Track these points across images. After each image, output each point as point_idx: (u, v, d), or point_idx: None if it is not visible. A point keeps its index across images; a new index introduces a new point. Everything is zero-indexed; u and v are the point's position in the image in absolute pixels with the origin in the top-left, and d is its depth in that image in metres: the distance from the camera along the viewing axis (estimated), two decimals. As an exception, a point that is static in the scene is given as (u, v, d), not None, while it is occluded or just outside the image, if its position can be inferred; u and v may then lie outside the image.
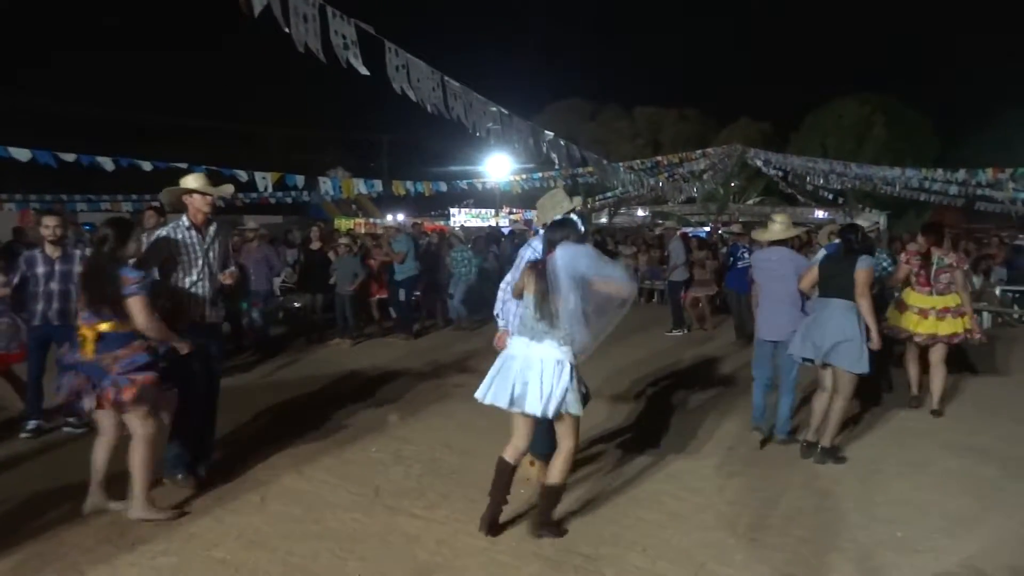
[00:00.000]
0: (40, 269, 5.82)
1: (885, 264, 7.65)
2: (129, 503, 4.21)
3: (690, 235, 14.81)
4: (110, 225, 4.33)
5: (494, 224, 30.54)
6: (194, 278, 4.76)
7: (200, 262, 4.78)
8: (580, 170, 19.61)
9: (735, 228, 12.55)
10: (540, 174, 19.31)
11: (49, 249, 5.88)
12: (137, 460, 4.18)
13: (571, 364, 3.92)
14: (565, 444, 4.04)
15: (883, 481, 5.01)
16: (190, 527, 4.17)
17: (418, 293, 12.05)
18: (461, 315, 11.98)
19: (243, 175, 9.64)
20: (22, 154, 8.09)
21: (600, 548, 3.96)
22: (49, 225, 5.92)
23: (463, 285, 11.95)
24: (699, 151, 26.34)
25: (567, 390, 3.88)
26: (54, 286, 5.81)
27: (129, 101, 37.08)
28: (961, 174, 16.66)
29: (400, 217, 30.19)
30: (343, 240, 11.89)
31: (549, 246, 3.95)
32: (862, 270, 5.19)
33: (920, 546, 4.02)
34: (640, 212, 37.29)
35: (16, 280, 5.81)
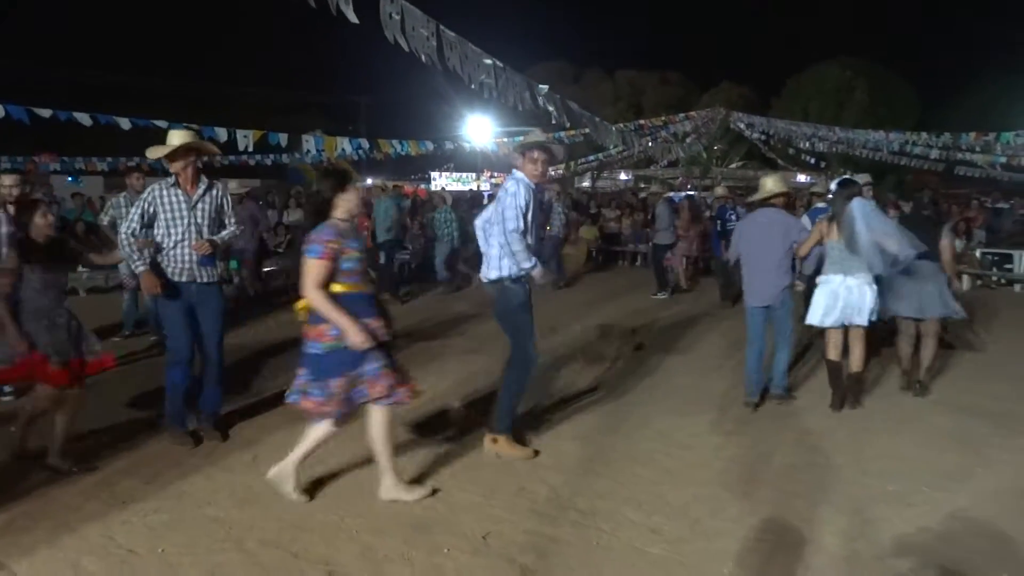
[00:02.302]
0: (3, 229, 5.63)
1: None
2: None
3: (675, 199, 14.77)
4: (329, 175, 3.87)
5: (475, 188, 30.32)
6: (179, 238, 4.63)
7: (185, 221, 4.64)
8: (563, 133, 19.46)
9: (720, 191, 12.52)
10: (522, 137, 19.08)
11: (12, 209, 5.69)
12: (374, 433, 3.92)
13: (874, 287, 5.38)
14: (858, 346, 5.57)
15: (873, 437, 5.06)
16: (181, 485, 4.12)
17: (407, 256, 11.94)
18: (442, 277, 11.89)
19: (223, 133, 9.40)
20: (-6, 110, 7.83)
21: (595, 503, 3.97)
22: (6, 184, 5.74)
23: (445, 247, 11.84)
24: (682, 114, 26.19)
25: (869, 308, 5.39)
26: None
27: (104, 62, 36.06)
28: (946, 137, 16.72)
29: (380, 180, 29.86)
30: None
31: (844, 199, 5.33)
32: (947, 240, 6.08)
33: (911, 500, 4.06)
34: (623, 176, 37.20)
35: None
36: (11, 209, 5.69)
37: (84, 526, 3.62)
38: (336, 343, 3.64)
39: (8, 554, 3.34)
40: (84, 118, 8.88)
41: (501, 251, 4.54)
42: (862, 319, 5.46)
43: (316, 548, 3.45)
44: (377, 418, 3.85)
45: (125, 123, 9.15)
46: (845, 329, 5.62)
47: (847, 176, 5.81)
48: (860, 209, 5.27)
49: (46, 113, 8.56)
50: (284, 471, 3.89)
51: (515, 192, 4.45)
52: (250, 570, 3.26)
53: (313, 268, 3.59)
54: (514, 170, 4.66)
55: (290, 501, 3.90)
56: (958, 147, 17.33)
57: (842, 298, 5.42)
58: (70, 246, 4.76)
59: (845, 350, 5.71)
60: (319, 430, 3.86)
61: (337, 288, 3.66)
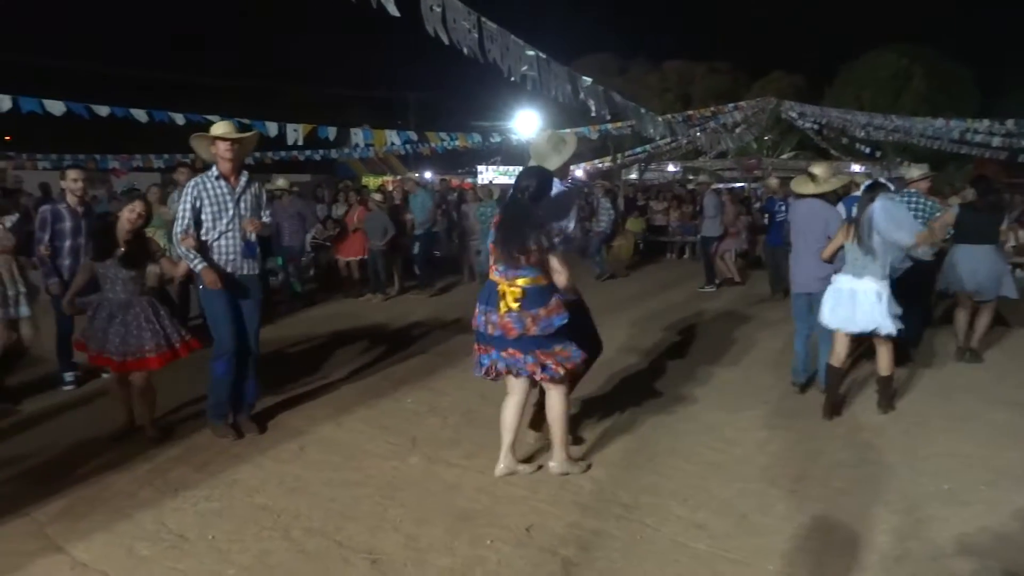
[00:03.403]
0: (67, 224, 5.82)
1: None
2: (551, 457, 4.26)
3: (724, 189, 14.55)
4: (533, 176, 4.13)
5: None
6: (223, 229, 4.69)
7: (231, 212, 4.70)
8: (609, 126, 19.27)
9: (772, 182, 12.27)
10: (568, 129, 19.02)
11: (73, 202, 5.89)
12: (556, 413, 4.15)
13: (887, 293, 5.06)
14: (884, 351, 5.29)
15: (927, 434, 4.91)
16: (231, 474, 4.21)
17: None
18: (484, 269, 11.87)
19: (274, 128, 9.55)
20: (56, 107, 8.07)
21: (640, 497, 3.93)
22: (76, 179, 5.96)
23: (488, 239, 11.81)
24: (731, 104, 25.74)
25: (886, 313, 5.05)
26: (81, 240, 5.82)
27: (151, 61, 36.97)
28: (1009, 124, 16.09)
29: (428, 175, 29.99)
30: (375, 196, 11.85)
31: (868, 201, 5.07)
32: (1005, 224, 6.92)
33: (968, 498, 3.93)
34: (671, 167, 36.70)
35: (47, 238, 5.79)
36: (72, 202, 5.90)
37: (138, 512, 3.72)
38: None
39: (67, 539, 3.45)
40: (141, 115, 9.12)
41: None
42: (886, 328, 5.09)
43: (360, 537, 3.49)
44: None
45: (180, 119, 9.37)
46: (856, 338, 5.34)
47: (875, 180, 5.68)
48: (880, 208, 5.05)
49: (104, 110, 8.80)
50: (562, 460, 4.18)
51: None
52: (296, 557, 3.31)
53: (566, 259, 4.02)
54: None
55: (337, 491, 3.96)
56: (1023, 133, 16.68)
57: (845, 302, 5.15)
58: (151, 244, 4.89)
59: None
60: (559, 404, 4.12)
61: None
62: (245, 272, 4.82)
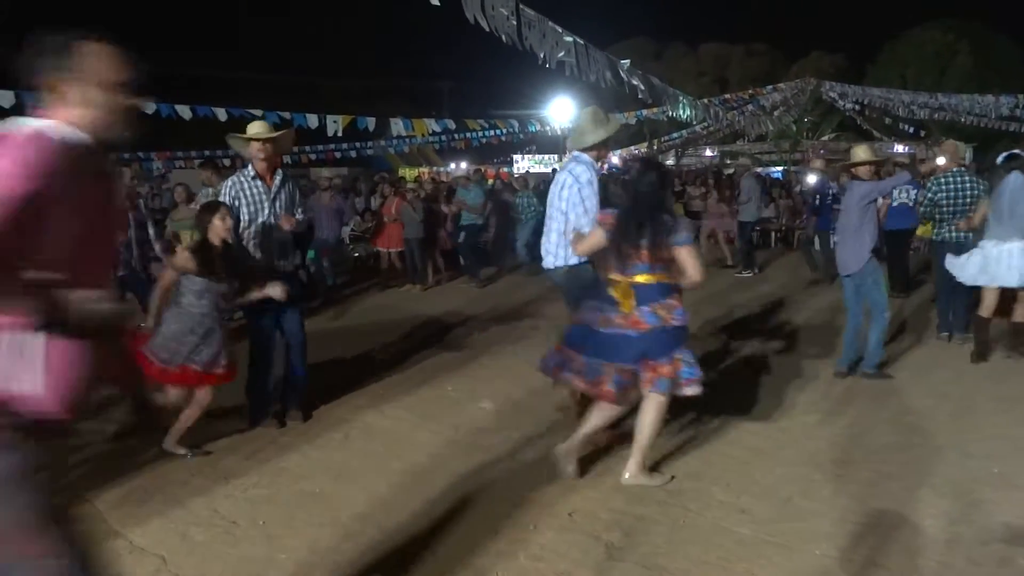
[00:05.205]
0: (133, 233, 6.05)
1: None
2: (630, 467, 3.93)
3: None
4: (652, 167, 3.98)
5: (558, 169, 30.07)
6: (258, 227, 4.79)
7: (266, 211, 4.80)
8: (645, 112, 19.08)
9: (817, 164, 12.06)
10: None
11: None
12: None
13: None
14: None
15: (977, 417, 4.83)
16: (279, 462, 4.31)
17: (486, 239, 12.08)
18: (523, 258, 11.94)
19: (314, 120, 9.68)
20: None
21: (683, 483, 3.93)
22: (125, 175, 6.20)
23: (527, 230, 11.87)
24: (770, 86, 25.30)
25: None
26: (131, 234, 6.05)
27: (189, 58, 37.49)
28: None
29: (463, 165, 30.04)
30: (410, 186, 11.94)
31: (1005, 171, 5.85)
32: None
33: (1019, 482, 3.85)
34: (708, 152, 36.25)
35: None
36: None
37: (191, 499, 3.83)
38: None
39: (124, 524, 3.57)
40: (185, 111, 9.29)
41: (561, 238, 4.48)
42: (1014, 281, 5.76)
43: (406, 523, 3.55)
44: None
45: (222, 114, 9.53)
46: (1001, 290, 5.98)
47: (1016, 151, 6.12)
48: (1013, 181, 5.74)
49: (150, 108, 8.98)
50: (635, 469, 3.90)
51: (590, 179, 4.42)
52: (344, 542, 3.38)
53: (696, 253, 3.84)
54: (578, 153, 4.54)
55: (381, 478, 4.03)
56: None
57: (992, 260, 5.80)
58: (237, 254, 4.60)
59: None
60: (653, 412, 3.81)
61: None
62: (283, 268, 4.91)
